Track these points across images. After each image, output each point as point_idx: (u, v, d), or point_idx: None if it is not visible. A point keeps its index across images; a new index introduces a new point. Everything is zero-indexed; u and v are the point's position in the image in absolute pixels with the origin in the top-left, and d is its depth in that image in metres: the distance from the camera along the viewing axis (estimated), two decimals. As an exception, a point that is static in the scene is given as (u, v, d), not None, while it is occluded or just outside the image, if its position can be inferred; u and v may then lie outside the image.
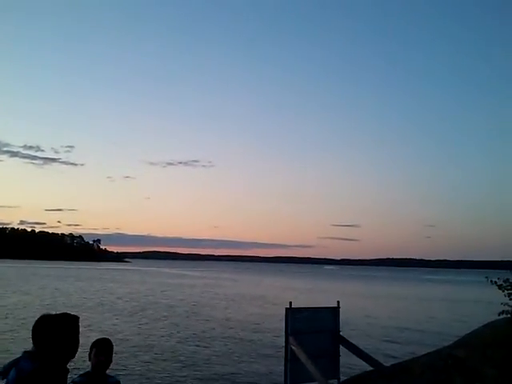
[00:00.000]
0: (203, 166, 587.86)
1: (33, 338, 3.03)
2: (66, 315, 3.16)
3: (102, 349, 4.38)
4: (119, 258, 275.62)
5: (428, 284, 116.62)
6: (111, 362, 4.44)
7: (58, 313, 3.19)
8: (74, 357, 3.12)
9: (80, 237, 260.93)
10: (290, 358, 9.42)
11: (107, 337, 4.78)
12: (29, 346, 3.06)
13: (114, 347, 4.54)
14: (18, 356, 3.05)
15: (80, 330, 3.12)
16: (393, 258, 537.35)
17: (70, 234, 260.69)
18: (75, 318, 3.16)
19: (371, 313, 39.93)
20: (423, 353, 6.20)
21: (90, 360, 4.39)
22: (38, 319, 3.08)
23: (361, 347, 10.01)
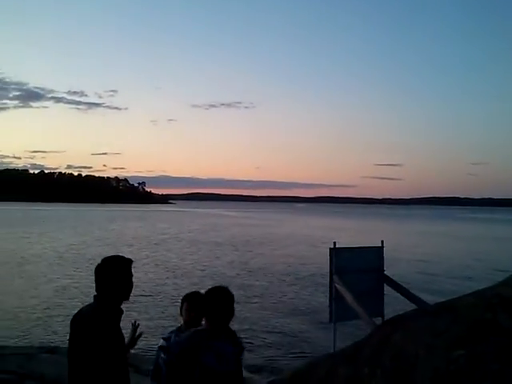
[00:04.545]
0: (245, 107, 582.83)
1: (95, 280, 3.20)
2: (119, 258, 3.27)
3: (194, 304, 4.12)
4: (164, 199, 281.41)
5: (471, 222, 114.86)
6: (203, 316, 4.02)
7: (112, 255, 3.30)
8: (127, 298, 3.23)
9: (125, 180, 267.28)
10: (335, 297, 9.59)
11: (198, 290, 4.41)
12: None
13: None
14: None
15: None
16: (436, 197, 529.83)
17: (116, 177, 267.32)
18: (129, 261, 3.26)
19: (415, 251, 39.87)
20: (468, 292, 6.21)
21: (181, 314, 4.23)
22: (99, 262, 3.23)
23: (405, 286, 10.12)
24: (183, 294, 4.31)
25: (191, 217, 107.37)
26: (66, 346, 3.18)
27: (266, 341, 14.52)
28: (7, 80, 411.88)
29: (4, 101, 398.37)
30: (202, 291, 3.63)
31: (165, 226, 68.24)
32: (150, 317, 16.53)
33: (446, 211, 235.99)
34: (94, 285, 3.18)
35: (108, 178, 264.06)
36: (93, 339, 2.96)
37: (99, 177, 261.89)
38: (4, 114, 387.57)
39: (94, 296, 3.16)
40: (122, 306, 3.22)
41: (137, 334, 3.76)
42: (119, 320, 3.16)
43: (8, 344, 12.50)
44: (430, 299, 10.49)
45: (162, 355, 3.94)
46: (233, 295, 3.59)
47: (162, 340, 4.08)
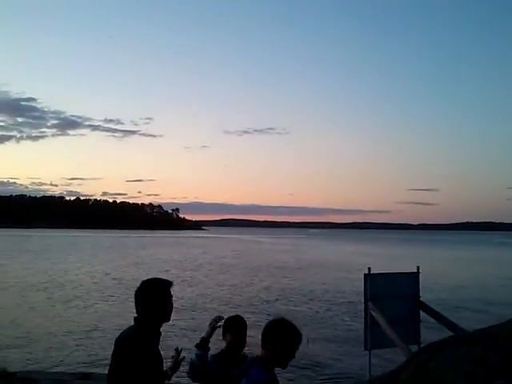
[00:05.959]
0: (278, 133, 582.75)
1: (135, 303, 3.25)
2: (159, 280, 3.31)
3: (235, 324, 4.12)
4: (197, 225, 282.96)
5: (507, 247, 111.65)
6: (245, 341, 4.11)
7: (151, 278, 3.34)
8: (168, 320, 3.26)
9: (159, 206, 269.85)
10: (370, 323, 9.48)
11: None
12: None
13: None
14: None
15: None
16: (473, 222, 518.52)
17: (150, 203, 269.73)
18: (168, 283, 3.29)
19: (450, 278, 39.00)
20: (507, 319, 6.09)
21: (223, 338, 4.17)
22: (139, 285, 3.27)
23: (442, 313, 9.94)
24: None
25: (224, 243, 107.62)
26: (101, 372, 3.24)
27: (301, 367, 14.34)
28: (46, 109, 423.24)
29: (43, 129, 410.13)
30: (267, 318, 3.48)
31: (199, 252, 68.70)
32: (189, 340, 16.56)
33: (483, 236, 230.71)
34: (135, 308, 3.22)
35: (142, 204, 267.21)
36: (130, 360, 3.00)
37: (134, 203, 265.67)
38: (42, 142, 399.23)
39: (135, 318, 3.22)
40: (161, 329, 3.25)
41: (179, 358, 3.83)
42: (158, 342, 3.20)
43: (43, 369, 12.68)
44: (468, 326, 10.29)
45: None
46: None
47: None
